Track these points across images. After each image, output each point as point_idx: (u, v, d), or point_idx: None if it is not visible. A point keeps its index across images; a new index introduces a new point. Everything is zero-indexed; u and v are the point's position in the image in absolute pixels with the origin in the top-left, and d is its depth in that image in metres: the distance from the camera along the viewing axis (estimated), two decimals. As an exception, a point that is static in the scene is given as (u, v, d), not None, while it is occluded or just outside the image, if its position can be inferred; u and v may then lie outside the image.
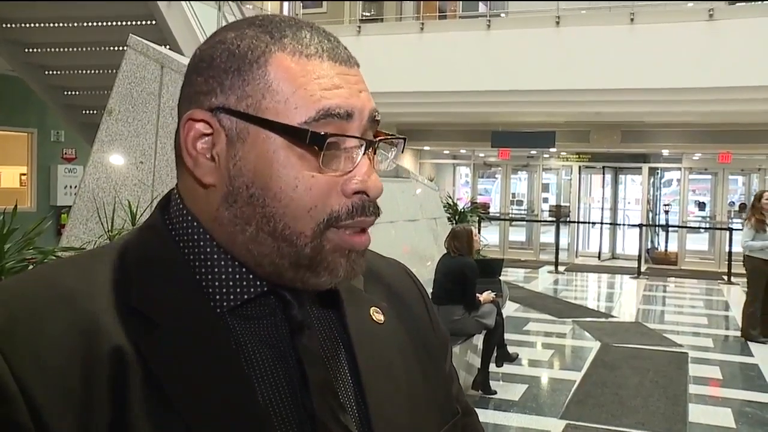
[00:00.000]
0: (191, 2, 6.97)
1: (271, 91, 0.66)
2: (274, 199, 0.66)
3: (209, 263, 0.69)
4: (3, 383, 0.58)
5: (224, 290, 0.68)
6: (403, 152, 0.75)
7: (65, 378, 0.60)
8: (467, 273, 5.45)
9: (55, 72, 7.76)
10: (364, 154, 0.68)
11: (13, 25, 7.23)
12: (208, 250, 0.69)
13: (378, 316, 0.78)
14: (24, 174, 11.97)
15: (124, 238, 0.73)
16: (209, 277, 0.69)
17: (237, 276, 0.69)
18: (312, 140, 0.65)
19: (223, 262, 0.69)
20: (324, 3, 14.70)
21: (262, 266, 0.68)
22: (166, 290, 0.66)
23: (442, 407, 0.81)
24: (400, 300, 0.84)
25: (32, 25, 7.21)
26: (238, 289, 0.69)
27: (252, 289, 0.69)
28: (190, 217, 0.70)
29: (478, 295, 5.57)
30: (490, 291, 5.83)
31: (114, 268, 0.68)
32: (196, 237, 0.70)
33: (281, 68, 0.66)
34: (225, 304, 0.68)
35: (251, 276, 0.69)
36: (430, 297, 0.91)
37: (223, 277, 0.69)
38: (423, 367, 0.80)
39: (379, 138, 0.71)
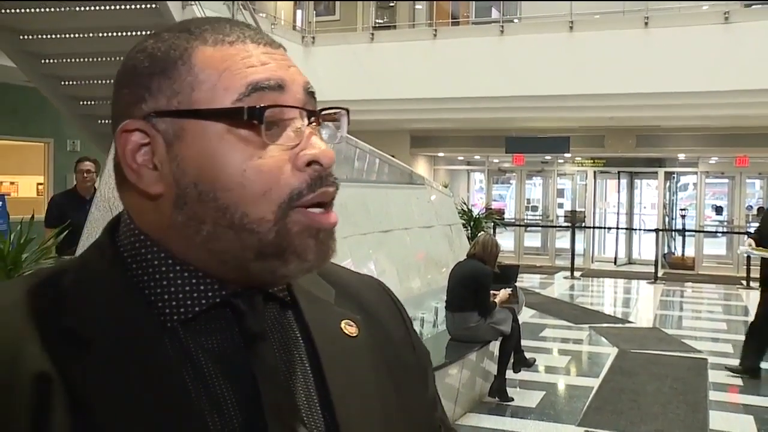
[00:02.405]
0: (204, 8, 7.01)
1: (198, 82, 0.64)
2: (224, 190, 0.63)
3: (157, 276, 0.66)
4: None
5: (174, 303, 0.65)
6: (349, 124, 0.71)
7: None
8: (480, 276, 5.44)
9: (71, 82, 7.81)
10: (308, 124, 0.66)
11: (30, 37, 7.29)
12: (156, 263, 0.66)
13: (350, 329, 0.73)
14: (41, 183, 12.06)
15: (66, 261, 0.70)
16: (158, 291, 0.65)
17: (188, 288, 0.65)
18: (250, 115, 0.62)
19: (172, 275, 0.66)
20: (337, 10, 14.74)
21: (226, 263, 0.65)
22: (103, 308, 0.63)
23: (420, 427, 0.77)
24: (376, 316, 0.79)
25: (48, 36, 7.27)
26: (189, 302, 0.65)
27: (204, 301, 0.65)
28: (137, 231, 0.67)
29: (494, 293, 5.57)
30: (506, 288, 5.82)
31: (45, 287, 0.64)
32: (143, 251, 0.66)
33: (206, 58, 0.64)
34: (176, 317, 0.65)
35: (203, 287, 0.66)
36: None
37: (173, 290, 0.65)
38: (399, 386, 0.75)
39: (321, 108, 0.68)
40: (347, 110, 0.71)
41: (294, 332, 0.71)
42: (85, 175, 5.82)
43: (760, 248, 6.27)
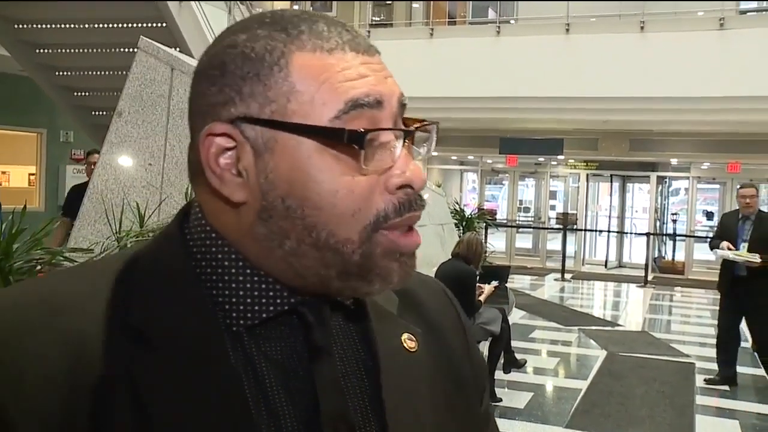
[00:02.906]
0: (201, 4, 7.00)
1: (295, 93, 0.60)
2: (314, 209, 0.60)
3: (227, 278, 0.64)
4: None
5: (241, 307, 0.63)
6: (437, 136, 0.69)
7: (45, 399, 0.56)
8: (464, 277, 5.43)
9: (65, 73, 7.79)
10: (403, 145, 0.63)
11: (25, 26, 7.26)
12: (227, 263, 0.64)
13: (410, 344, 0.71)
14: (33, 174, 12.03)
15: (137, 248, 0.68)
16: (226, 293, 0.63)
17: (256, 293, 0.63)
18: (350, 139, 0.59)
19: (242, 277, 0.64)
20: (333, 8, 14.73)
21: (304, 278, 0.63)
22: (170, 306, 0.61)
23: None
24: (437, 328, 0.77)
25: (43, 26, 7.25)
26: (257, 307, 0.63)
27: (272, 308, 0.64)
28: (208, 228, 0.65)
29: (480, 286, 5.58)
30: (492, 282, 5.84)
31: (118, 280, 0.63)
32: (214, 250, 0.64)
33: (304, 67, 0.61)
34: (242, 322, 0.63)
35: (272, 293, 0.64)
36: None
37: (241, 293, 0.63)
38: (454, 402, 0.73)
39: (416, 126, 0.66)
40: (437, 123, 0.69)
41: (356, 344, 0.69)
42: (92, 167, 5.96)
43: (746, 253, 6.25)
